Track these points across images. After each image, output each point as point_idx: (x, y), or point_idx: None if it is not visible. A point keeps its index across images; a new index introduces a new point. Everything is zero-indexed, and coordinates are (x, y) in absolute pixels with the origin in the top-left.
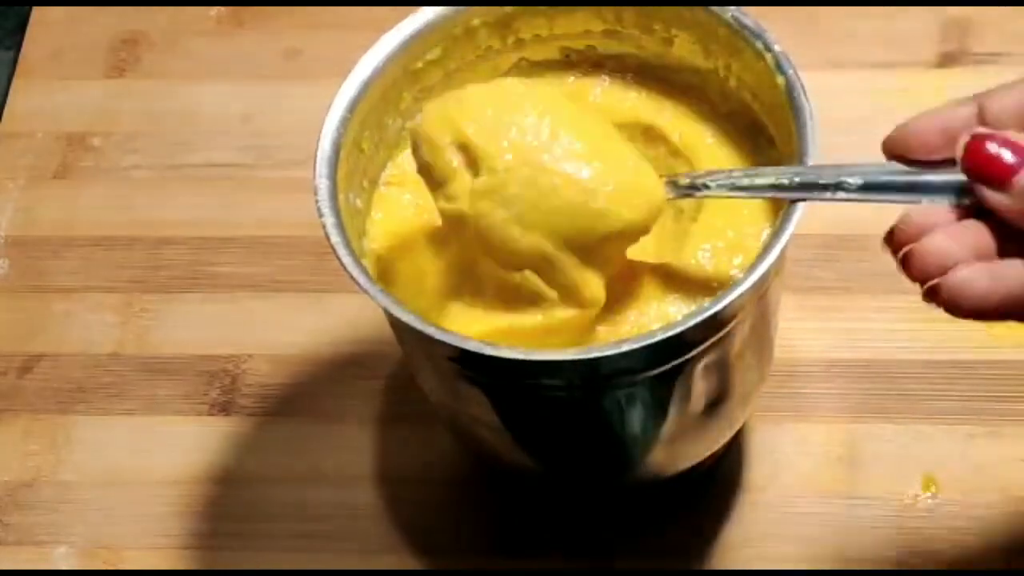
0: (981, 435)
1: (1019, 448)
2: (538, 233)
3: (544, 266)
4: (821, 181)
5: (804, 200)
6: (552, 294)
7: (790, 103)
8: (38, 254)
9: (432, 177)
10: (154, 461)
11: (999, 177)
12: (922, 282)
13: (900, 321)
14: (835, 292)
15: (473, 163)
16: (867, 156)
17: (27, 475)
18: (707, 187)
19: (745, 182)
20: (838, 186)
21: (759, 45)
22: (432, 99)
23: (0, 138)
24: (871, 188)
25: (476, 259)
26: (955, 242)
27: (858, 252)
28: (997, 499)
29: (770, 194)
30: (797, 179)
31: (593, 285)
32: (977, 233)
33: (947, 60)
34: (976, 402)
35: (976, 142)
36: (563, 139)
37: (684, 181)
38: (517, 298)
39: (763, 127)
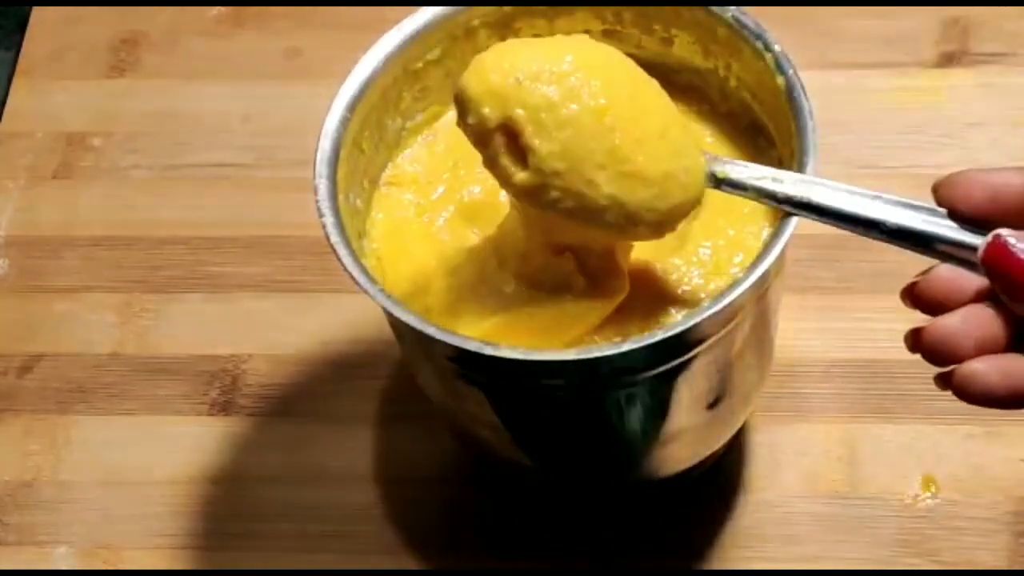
0: (981, 435)
1: (1019, 448)
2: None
3: (583, 250)
4: (854, 217)
5: (836, 227)
6: (580, 282)
7: (790, 103)
8: (38, 254)
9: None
10: (154, 461)
11: (1016, 284)
12: (933, 363)
13: (900, 321)
14: (835, 292)
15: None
16: (868, 156)
17: (27, 475)
18: (731, 182)
19: (775, 189)
20: (872, 225)
21: (759, 45)
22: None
23: (0, 138)
24: (900, 236)
25: (510, 244)
26: (966, 332)
27: (858, 252)
28: (997, 499)
29: (796, 212)
30: (830, 206)
31: (623, 274)
32: (988, 322)
33: (947, 60)
34: None
35: (999, 243)
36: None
37: (720, 173)
38: (539, 287)
39: (763, 127)
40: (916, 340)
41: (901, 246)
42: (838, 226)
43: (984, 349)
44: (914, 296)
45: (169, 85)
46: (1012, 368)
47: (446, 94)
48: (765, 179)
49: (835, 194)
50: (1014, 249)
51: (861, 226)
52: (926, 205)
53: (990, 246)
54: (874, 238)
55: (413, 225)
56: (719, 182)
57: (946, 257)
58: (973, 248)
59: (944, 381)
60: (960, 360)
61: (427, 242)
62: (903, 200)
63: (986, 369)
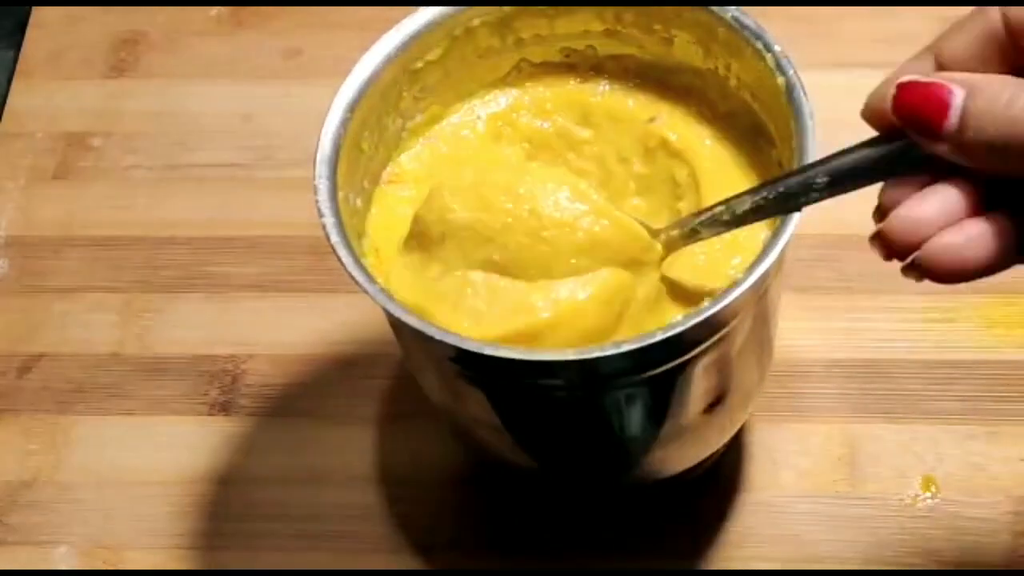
0: (981, 435)
1: (1019, 448)
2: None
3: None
4: (793, 191)
5: (788, 213)
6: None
7: (790, 103)
8: (38, 254)
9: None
10: (154, 461)
11: (930, 124)
12: (900, 259)
13: (900, 321)
14: (835, 292)
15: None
16: None
17: (27, 475)
18: (697, 232)
19: (727, 216)
20: (810, 188)
21: (759, 45)
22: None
23: (0, 138)
24: (839, 182)
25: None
26: (928, 207)
27: (858, 252)
28: (997, 499)
29: (756, 218)
30: (771, 196)
31: None
32: (942, 195)
33: None
34: (976, 402)
35: (901, 91)
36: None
37: (674, 233)
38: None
39: (763, 127)
40: (883, 237)
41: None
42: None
43: (946, 217)
44: (881, 238)
45: (169, 85)
46: (971, 231)
47: (446, 94)
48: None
49: (776, 187)
50: (915, 83)
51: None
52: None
53: (894, 98)
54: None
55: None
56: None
57: (892, 167)
58: (905, 155)
59: (912, 268)
60: (919, 241)
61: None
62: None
63: (954, 239)
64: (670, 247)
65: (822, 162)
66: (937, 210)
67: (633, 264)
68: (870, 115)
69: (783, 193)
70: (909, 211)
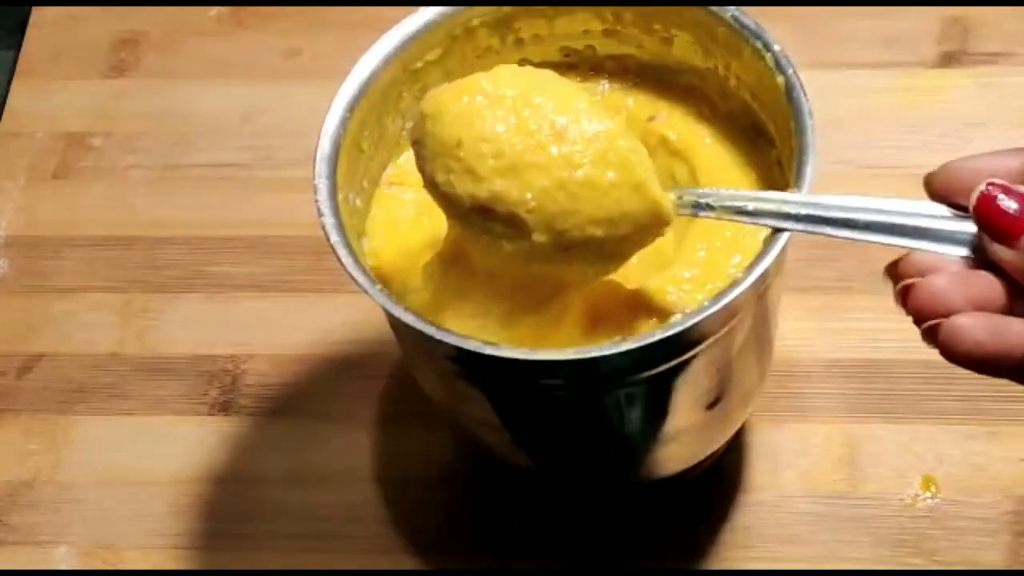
0: (981, 435)
1: (1019, 448)
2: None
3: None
4: (828, 215)
5: (808, 232)
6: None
7: (790, 103)
8: (38, 254)
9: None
10: (154, 461)
11: (1007, 231)
12: (917, 320)
13: (901, 321)
14: (835, 292)
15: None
16: (868, 156)
17: (27, 475)
18: (711, 207)
19: (751, 207)
20: (846, 223)
21: (759, 45)
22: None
23: (0, 138)
24: (879, 229)
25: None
26: (957, 289)
27: (858, 252)
28: (997, 499)
29: (773, 222)
30: (803, 211)
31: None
32: (983, 284)
33: (947, 60)
34: (976, 402)
35: (989, 193)
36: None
37: (688, 198)
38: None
39: (763, 127)
40: (905, 295)
41: (888, 244)
42: (826, 234)
43: (976, 308)
44: (897, 272)
45: (169, 85)
46: (1003, 328)
47: None
48: (738, 202)
49: (822, 202)
50: (1000, 201)
51: (853, 230)
52: (895, 202)
53: (981, 196)
54: (865, 241)
55: (414, 224)
56: (689, 208)
57: (939, 244)
58: (967, 236)
59: (930, 335)
60: (945, 312)
61: (427, 241)
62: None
63: (975, 324)
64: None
65: (866, 201)
66: (974, 297)
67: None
68: (940, 190)
69: (818, 215)
70: (941, 284)
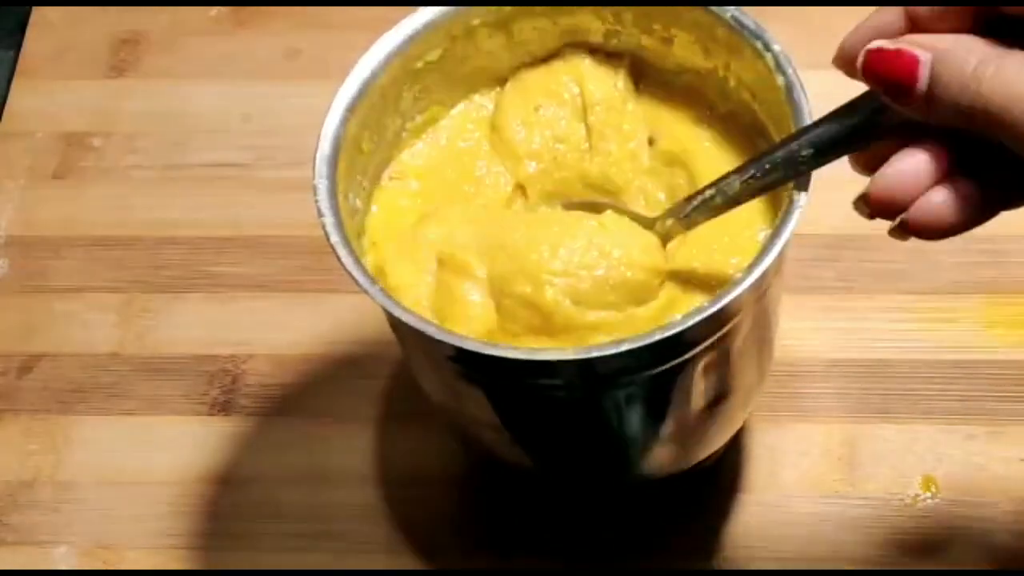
0: (981, 435)
1: (1019, 448)
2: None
3: None
4: (779, 164)
5: (777, 187)
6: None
7: (790, 103)
8: (38, 254)
9: None
10: (154, 461)
11: (899, 89)
12: (884, 215)
13: (900, 321)
14: (835, 292)
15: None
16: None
17: (27, 475)
18: (691, 217)
19: (720, 199)
20: (796, 161)
21: (759, 45)
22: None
23: (0, 138)
24: (823, 152)
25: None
26: (915, 165)
27: (858, 252)
28: (997, 499)
29: (748, 197)
30: (759, 173)
31: None
32: (916, 156)
33: None
34: (976, 402)
35: (870, 57)
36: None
37: (669, 222)
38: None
39: (763, 127)
40: (866, 199)
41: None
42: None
43: (926, 182)
44: (866, 201)
45: (169, 85)
46: (964, 190)
47: (446, 94)
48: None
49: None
50: (883, 51)
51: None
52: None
53: (865, 59)
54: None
55: (413, 213)
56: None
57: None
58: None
59: (902, 229)
60: (906, 199)
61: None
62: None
63: (943, 199)
64: (667, 236)
65: (803, 132)
66: (914, 170)
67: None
68: (841, 65)
69: (770, 168)
70: (889, 173)
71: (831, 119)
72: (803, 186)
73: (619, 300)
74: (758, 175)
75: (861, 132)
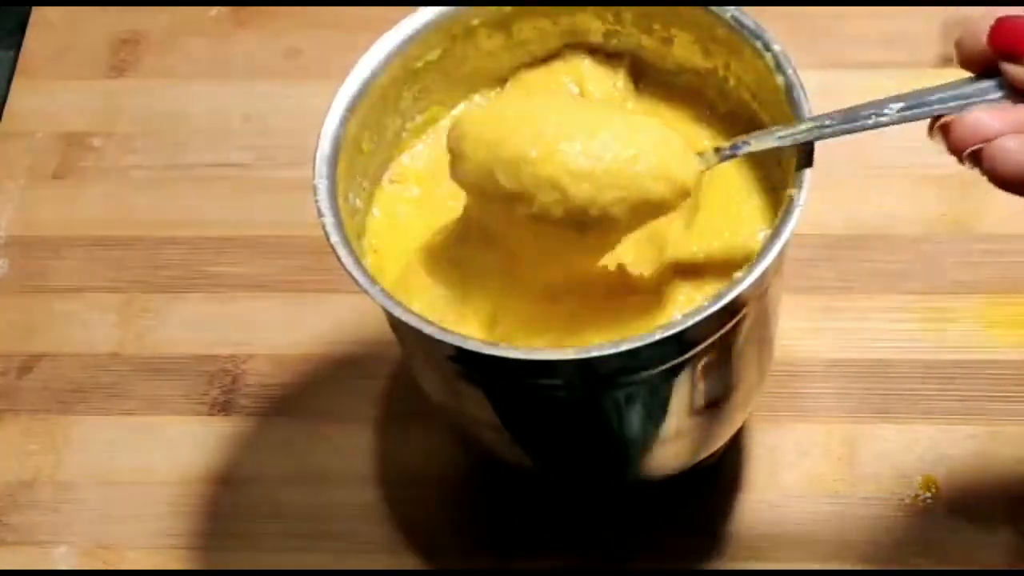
0: (981, 435)
1: (1019, 448)
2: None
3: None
4: (861, 113)
5: (848, 133)
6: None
7: (790, 103)
8: (38, 254)
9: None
10: (154, 461)
11: (1020, 49)
12: (961, 151)
13: (900, 321)
14: (835, 292)
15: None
16: (868, 157)
17: (27, 475)
18: (748, 144)
19: (785, 133)
20: (879, 114)
21: (758, 44)
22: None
23: (0, 138)
24: (912, 107)
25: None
26: (998, 117)
27: (858, 252)
28: (997, 499)
29: (813, 136)
30: (835, 120)
31: None
32: (1018, 113)
33: (947, 60)
34: (976, 402)
35: (1001, 21)
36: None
37: (725, 146)
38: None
39: (762, 127)
40: (942, 126)
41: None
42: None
43: (1013, 131)
44: (948, 128)
45: (169, 85)
46: None
47: (446, 94)
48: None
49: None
50: (1012, 17)
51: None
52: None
53: (992, 28)
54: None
55: (414, 224)
56: (727, 152)
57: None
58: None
59: (973, 158)
60: (985, 139)
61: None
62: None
63: (1019, 146)
64: (717, 157)
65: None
66: (1012, 121)
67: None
68: (964, 52)
69: (850, 117)
70: (981, 114)
71: (935, 87)
72: (803, 187)
73: (630, 195)
74: (834, 121)
75: (960, 99)
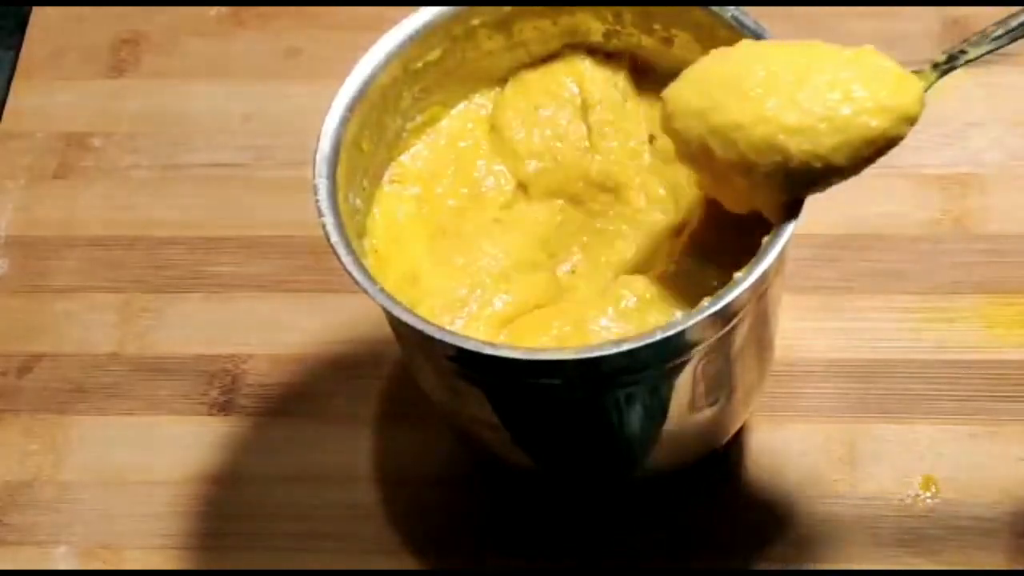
0: (981, 435)
1: (1019, 448)
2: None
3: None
4: None
5: None
6: None
7: None
8: (38, 254)
9: None
10: (154, 461)
11: None
12: None
13: (900, 321)
14: (835, 292)
15: None
16: None
17: (27, 475)
18: (965, 52)
19: (1000, 31)
20: None
21: None
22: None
23: (0, 138)
24: None
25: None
26: None
27: (858, 252)
28: (997, 499)
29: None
30: None
31: None
32: None
33: None
34: (976, 402)
35: None
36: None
37: (941, 59)
38: None
39: None
40: None
41: None
42: None
43: None
44: None
45: (169, 85)
46: None
47: (446, 94)
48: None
49: None
50: None
51: None
52: None
53: None
54: None
55: (415, 224)
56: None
57: None
58: None
59: None
60: None
61: (429, 241)
62: None
63: None
64: (938, 71)
65: None
66: None
67: None
68: None
69: None
70: None
71: None
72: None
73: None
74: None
75: None
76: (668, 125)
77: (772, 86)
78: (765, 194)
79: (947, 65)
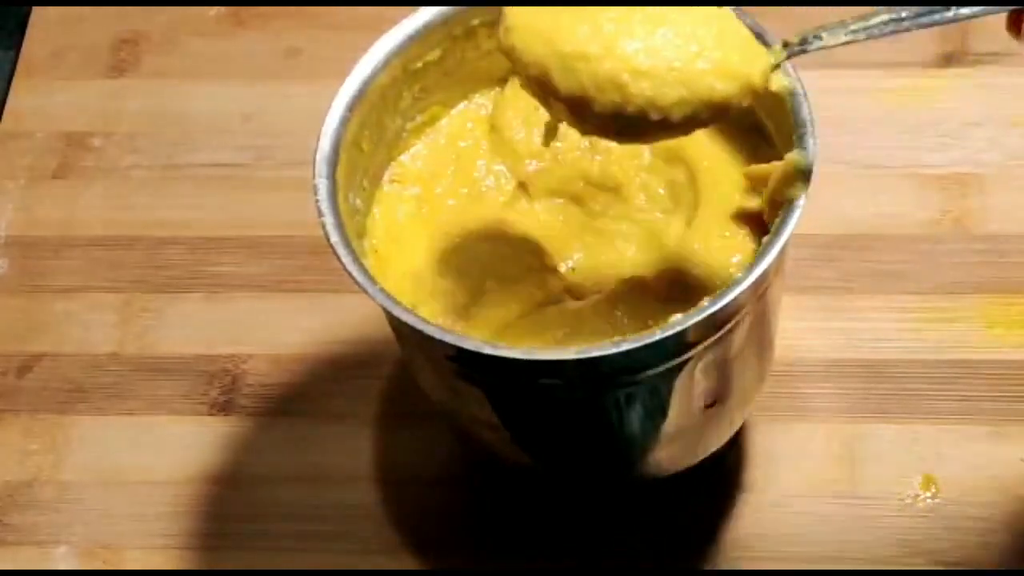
0: (981, 435)
1: (1019, 448)
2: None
3: None
4: (938, 8)
5: (924, 27)
6: None
7: (790, 103)
8: (38, 254)
9: None
10: (154, 461)
11: None
12: None
13: (900, 321)
14: (835, 292)
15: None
16: (868, 156)
17: (27, 475)
18: (819, 38)
19: (859, 26)
20: (960, 4)
21: None
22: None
23: (0, 138)
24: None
25: None
26: None
27: (858, 252)
28: (997, 499)
29: (888, 29)
30: (911, 13)
31: None
32: None
33: (947, 60)
34: (976, 402)
35: None
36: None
37: (795, 40)
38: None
39: (762, 126)
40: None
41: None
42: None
43: None
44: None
45: (169, 85)
46: None
47: (446, 94)
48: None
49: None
50: None
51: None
52: None
53: None
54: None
55: (415, 224)
56: (797, 47)
57: None
58: None
59: None
60: None
61: (429, 240)
62: None
63: None
64: (787, 51)
65: None
66: None
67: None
68: None
69: (926, 10)
70: None
71: None
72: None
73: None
74: (910, 14)
75: None
76: (507, 39)
77: (627, 24)
78: (591, 134)
79: (799, 47)
